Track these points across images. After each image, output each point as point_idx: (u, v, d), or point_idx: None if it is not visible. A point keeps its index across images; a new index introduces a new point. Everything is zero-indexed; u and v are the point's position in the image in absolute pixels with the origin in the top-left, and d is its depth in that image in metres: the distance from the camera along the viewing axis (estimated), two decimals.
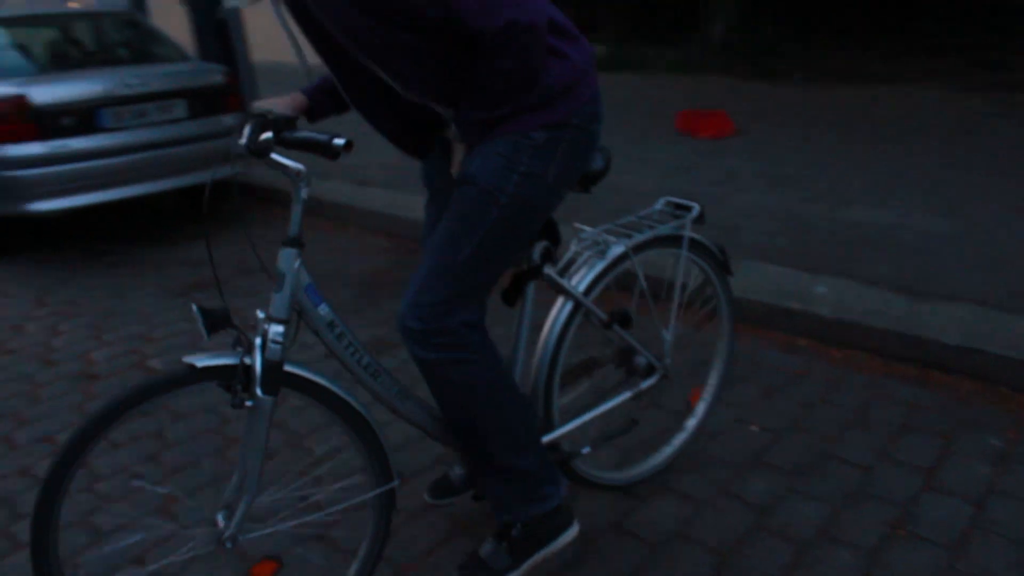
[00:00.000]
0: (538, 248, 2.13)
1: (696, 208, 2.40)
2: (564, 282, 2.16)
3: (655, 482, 2.59)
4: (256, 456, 1.83)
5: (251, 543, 2.39)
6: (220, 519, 1.88)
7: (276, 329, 1.78)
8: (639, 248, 2.26)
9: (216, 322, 1.77)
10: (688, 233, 2.36)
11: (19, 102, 4.82)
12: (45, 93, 4.95)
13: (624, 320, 2.34)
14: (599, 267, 2.20)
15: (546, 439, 2.25)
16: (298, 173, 1.77)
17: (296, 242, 1.81)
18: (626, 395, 2.43)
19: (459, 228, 1.90)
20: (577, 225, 2.50)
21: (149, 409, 1.79)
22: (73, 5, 14.11)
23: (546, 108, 1.89)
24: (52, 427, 3.14)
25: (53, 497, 1.72)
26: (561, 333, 2.19)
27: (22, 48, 5.81)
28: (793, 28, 9.39)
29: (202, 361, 1.76)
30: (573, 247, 2.28)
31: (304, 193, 1.80)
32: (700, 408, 2.70)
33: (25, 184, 4.93)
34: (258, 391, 1.78)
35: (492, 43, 1.74)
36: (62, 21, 6.43)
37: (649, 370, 2.45)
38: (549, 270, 2.14)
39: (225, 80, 5.63)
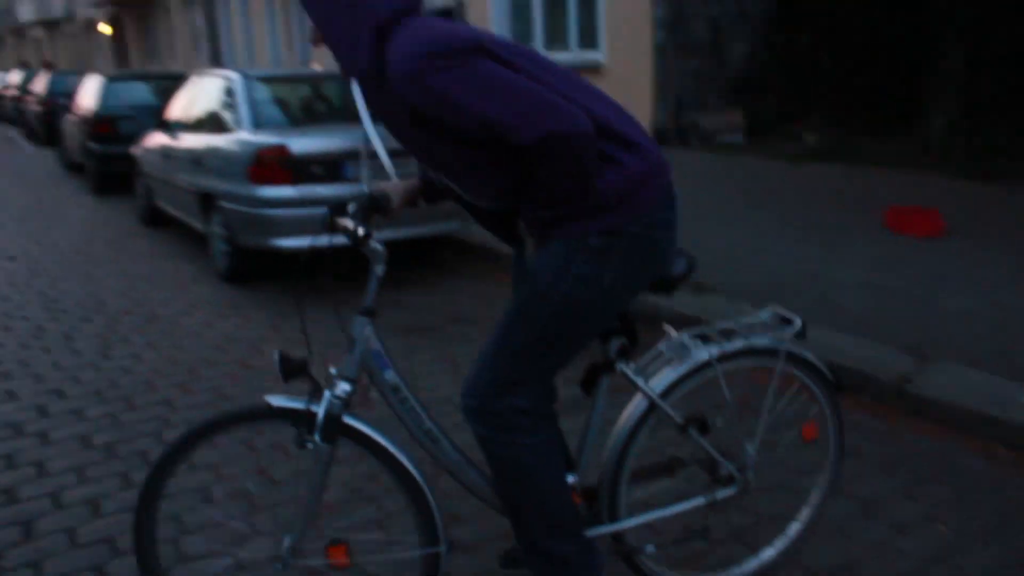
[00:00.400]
0: (614, 344, 2.21)
1: (798, 322, 2.35)
2: (639, 380, 2.23)
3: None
4: (313, 493, 2.10)
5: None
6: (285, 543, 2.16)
7: (343, 386, 2.06)
8: (727, 357, 2.28)
9: (293, 370, 2.05)
10: (786, 346, 2.33)
11: (281, 151, 5.49)
12: (301, 144, 5.60)
13: (702, 425, 2.33)
14: (680, 371, 2.23)
15: (609, 530, 2.31)
16: (375, 252, 2.05)
17: (369, 312, 2.09)
18: (699, 501, 2.40)
19: (515, 319, 2.06)
20: (665, 326, 2.47)
21: (234, 434, 2.18)
22: (315, 67, 15.52)
23: (602, 214, 1.97)
24: None
25: (143, 519, 2.13)
26: (632, 430, 2.24)
27: (282, 104, 6.55)
28: (1018, 127, 9.11)
29: (277, 401, 2.07)
30: (660, 347, 2.30)
31: (380, 271, 2.07)
32: (794, 528, 2.62)
33: (276, 222, 5.58)
34: (316, 437, 2.04)
35: (534, 154, 1.85)
36: (314, 81, 7.17)
37: (728, 480, 2.41)
38: (623, 366, 2.21)
39: None
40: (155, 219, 8.62)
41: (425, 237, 6.33)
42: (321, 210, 5.47)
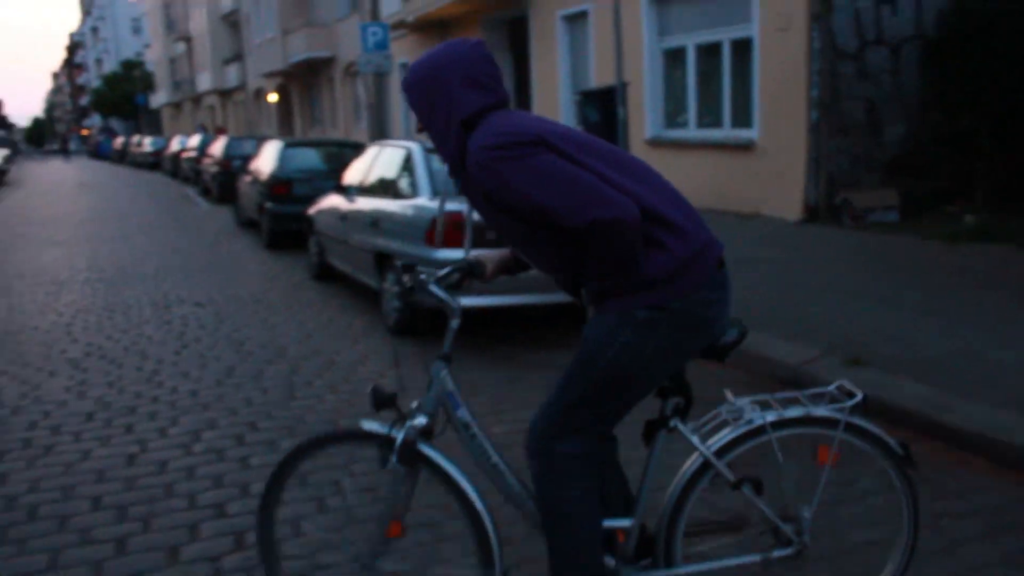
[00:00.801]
0: (670, 403, 2.44)
1: (859, 395, 2.49)
2: (693, 438, 2.45)
3: None
4: (388, 509, 2.50)
5: None
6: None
7: (420, 418, 2.47)
8: (783, 424, 2.44)
9: (382, 402, 2.45)
10: (846, 416, 2.46)
11: (458, 217, 5.92)
12: None
13: (757, 486, 2.49)
14: (735, 433, 2.44)
15: (664, 575, 2.52)
16: (453, 310, 2.46)
17: (446, 357, 2.49)
18: (755, 557, 2.56)
19: (571, 376, 2.36)
20: (726, 391, 2.62)
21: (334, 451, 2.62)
22: None
23: (649, 291, 2.24)
24: None
25: (264, 531, 2.68)
26: (687, 485, 2.46)
27: None
28: None
29: (368, 426, 2.51)
30: (719, 409, 2.52)
31: (455, 324, 2.47)
32: None
33: None
34: (394, 459, 2.43)
35: (584, 237, 2.18)
36: None
37: (787, 542, 2.55)
38: (678, 423, 2.43)
39: None
40: (325, 274, 9.26)
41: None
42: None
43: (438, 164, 6.89)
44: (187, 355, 6.41)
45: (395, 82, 24.09)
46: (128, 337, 7.01)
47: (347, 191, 8.02)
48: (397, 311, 6.64)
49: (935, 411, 4.48)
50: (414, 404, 2.50)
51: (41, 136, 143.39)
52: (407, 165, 6.95)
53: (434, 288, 2.48)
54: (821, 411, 2.48)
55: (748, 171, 11.70)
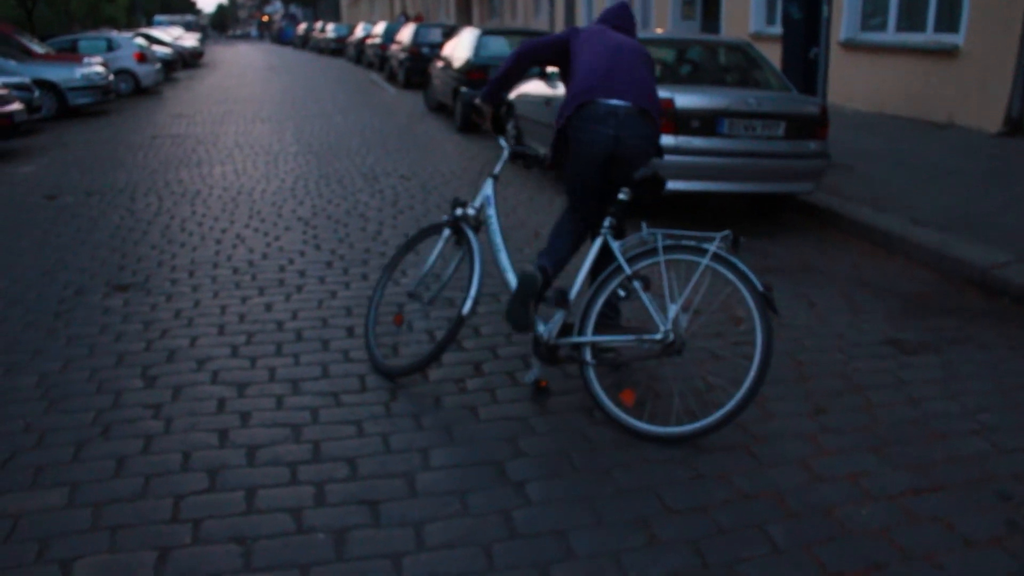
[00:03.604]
0: (606, 223, 3.64)
1: (729, 234, 3.38)
2: (613, 244, 3.56)
3: None
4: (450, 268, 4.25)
5: None
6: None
7: (468, 210, 4.08)
8: (669, 249, 3.44)
9: (454, 205, 4.11)
10: (714, 248, 3.33)
11: (668, 104, 6.22)
12: (685, 100, 6.30)
13: (645, 283, 3.51)
14: (637, 249, 3.52)
15: (576, 340, 3.56)
16: (503, 147, 4.31)
17: (494, 176, 4.17)
18: (631, 338, 3.52)
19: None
20: (643, 223, 3.61)
21: (433, 238, 4.31)
22: (658, 31, 16.18)
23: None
24: None
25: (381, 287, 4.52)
26: (604, 280, 3.60)
27: (663, 63, 7.29)
28: None
29: (443, 219, 4.18)
30: (638, 235, 3.55)
31: (505, 154, 4.27)
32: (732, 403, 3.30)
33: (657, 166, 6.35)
34: (446, 230, 4.16)
35: None
36: (689, 45, 7.84)
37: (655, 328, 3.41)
38: (608, 236, 3.63)
39: (819, 112, 6.59)
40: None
41: (777, 194, 6.88)
42: (696, 159, 6.15)
43: None
44: (404, 220, 7.06)
45: None
46: (347, 202, 7.74)
47: (550, 77, 8.39)
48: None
49: None
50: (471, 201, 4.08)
51: (224, 22, 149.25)
52: None
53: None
54: (701, 244, 3.39)
55: (947, 78, 11.33)
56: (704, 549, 2.72)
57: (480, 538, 2.78)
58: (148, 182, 8.79)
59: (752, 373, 3.22)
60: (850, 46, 13.24)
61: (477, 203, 4.05)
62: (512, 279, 3.89)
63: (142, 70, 19.73)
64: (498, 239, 4.02)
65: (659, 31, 17.36)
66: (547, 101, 8.29)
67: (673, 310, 3.41)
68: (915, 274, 5.76)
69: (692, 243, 3.42)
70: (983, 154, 9.33)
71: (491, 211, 4.05)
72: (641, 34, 7.92)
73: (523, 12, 30.00)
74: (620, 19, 4.25)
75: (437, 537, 2.79)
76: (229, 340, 4.49)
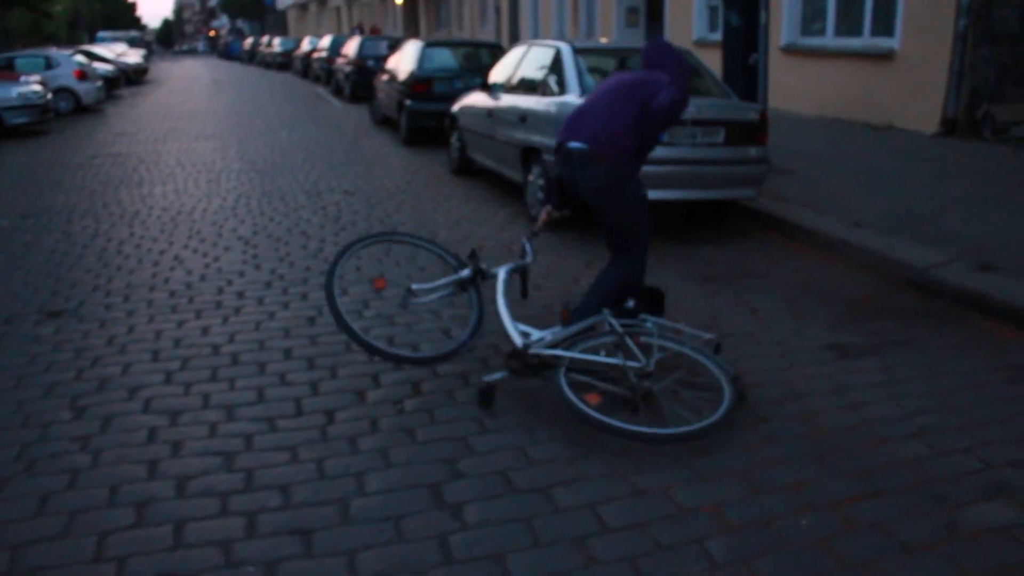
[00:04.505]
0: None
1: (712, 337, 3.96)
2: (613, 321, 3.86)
3: None
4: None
5: None
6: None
7: (500, 270, 4.34)
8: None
9: (471, 255, 4.45)
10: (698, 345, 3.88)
11: None
12: None
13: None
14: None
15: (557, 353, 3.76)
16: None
17: (533, 234, 4.61)
18: (615, 360, 3.74)
19: None
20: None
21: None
22: (603, 40, 16.22)
23: None
24: None
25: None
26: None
27: (600, 72, 7.29)
28: None
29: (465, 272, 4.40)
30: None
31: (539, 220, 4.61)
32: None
33: None
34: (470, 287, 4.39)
35: None
36: (628, 53, 7.85)
37: (636, 357, 3.70)
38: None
39: (758, 117, 6.63)
40: (464, 169, 9.70)
41: (720, 200, 6.90)
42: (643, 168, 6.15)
43: (585, 63, 7.16)
44: (346, 236, 6.97)
45: None
46: (289, 220, 7.62)
47: (493, 88, 8.36)
48: (541, 203, 7.03)
49: None
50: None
51: (170, 37, 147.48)
52: (556, 64, 7.23)
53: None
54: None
55: (885, 82, 11.50)
56: (642, 567, 2.68)
57: (415, 565, 2.72)
58: (86, 204, 8.59)
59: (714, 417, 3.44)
60: (791, 51, 13.40)
61: (502, 271, 4.31)
62: (516, 335, 3.91)
63: (82, 88, 19.37)
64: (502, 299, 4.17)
65: (604, 40, 17.44)
66: (489, 113, 8.26)
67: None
68: (857, 277, 5.80)
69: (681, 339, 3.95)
70: (921, 155, 9.47)
71: (504, 270, 4.32)
72: (584, 42, 7.92)
73: (470, 23, 30.01)
74: (647, 55, 4.38)
75: (370, 566, 2.72)
76: (163, 366, 4.37)
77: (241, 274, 5.97)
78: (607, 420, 3.37)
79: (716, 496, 3.06)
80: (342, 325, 4.08)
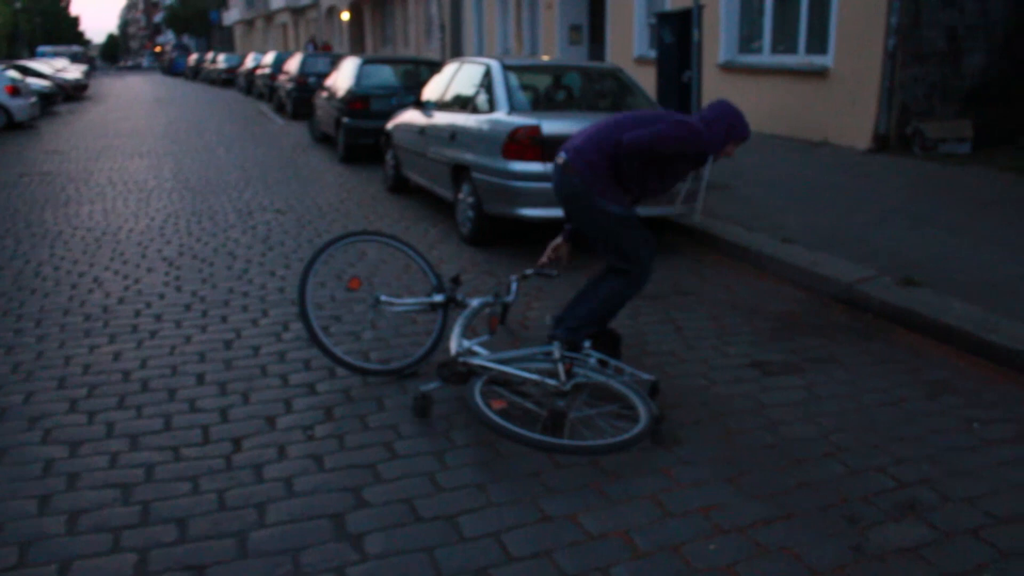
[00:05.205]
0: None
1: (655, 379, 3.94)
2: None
3: None
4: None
5: None
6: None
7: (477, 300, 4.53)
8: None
9: (453, 281, 4.59)
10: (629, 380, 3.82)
11: (534, 131, 6.17)
12: (552, 126, 6.27)
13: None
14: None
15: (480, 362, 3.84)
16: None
17: (523, 277, 4.61)
18: (535, 377, 3.75)
19: None
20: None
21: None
22: (545, 57, 16.26)
23: None
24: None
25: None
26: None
27: (532, 89, 7.26)
28: None
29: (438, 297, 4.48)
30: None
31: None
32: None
33: (524, 193, 6.28)
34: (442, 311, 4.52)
35: None
36: (560, 71, 7.84)
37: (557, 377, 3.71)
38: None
39: None
40: (400, 187, 9.61)
41: (652, 217, 6.88)
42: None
43: (516, 80, 7.12)
44: (273, 256, 6.84)
45: (469, 1, 24.07)
46: (217, 240, 7.46)
47: (425, 106, 8.29)
48: (471, 221, 6.97)
49: (981, 330, 4.67)
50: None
51: (115, 53, 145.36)
52: (486, 81, 7.18)
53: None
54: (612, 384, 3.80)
55: (819, 98, 11.65)
56: None
57: None
58: (8, 224, 8.33)
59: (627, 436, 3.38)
60: (729, 68, 13.53)
61: (475, 302, 4.49)
62: (455, 345, 4.07)
63: (15, 104, 18.89)
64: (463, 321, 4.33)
65: (546, 57, 17.49)
66: (421, 130, 8.19)
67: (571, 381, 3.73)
68: (784, 293, 5.81)
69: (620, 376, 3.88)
70: (853, 171, 9.59)
71: (479, 300, 4.52)
72: (515, 59, 7.89)
73: (415, 40, 29.96)
74: (707, 107, 4.31)
75: None
76: (68, 394, 4.21)
77: (161, 296, 5.81)
78: (507, 425, 3.33)
79: (625, 521, 2.99)
80: (303, 314, 4.25)
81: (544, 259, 4.55)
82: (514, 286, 4.54)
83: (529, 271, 4.62)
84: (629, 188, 4.22)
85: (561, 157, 4.28)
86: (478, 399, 3.51)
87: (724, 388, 4.20)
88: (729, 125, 4.13)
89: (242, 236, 7.60)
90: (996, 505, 3.13)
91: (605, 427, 3.56)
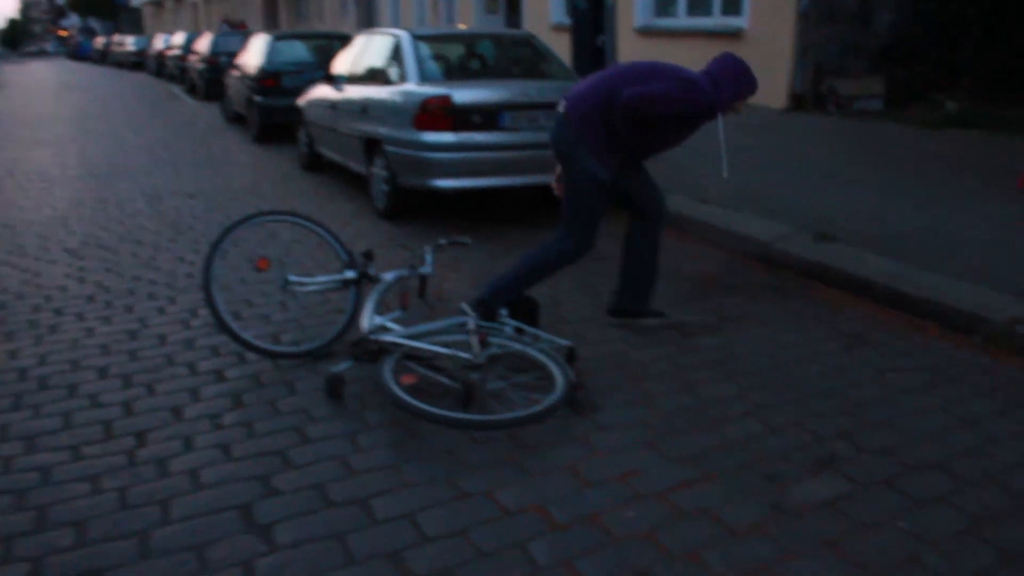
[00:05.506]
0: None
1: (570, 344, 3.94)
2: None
3: None
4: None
5: None
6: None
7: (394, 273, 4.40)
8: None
9: (366, 255, 4.39)
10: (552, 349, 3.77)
11: (445, 100, 6.03)
12: (464, 95, 6.13)
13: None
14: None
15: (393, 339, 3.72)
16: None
17: (436, 247, 4.51)
18: (446, 350, 3.65)
19: None
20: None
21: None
22: (461, 26, 16.08)
23: None
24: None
25: None
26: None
27: (444, 59, 7.11)
28: None
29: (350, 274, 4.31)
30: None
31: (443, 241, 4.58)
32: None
33: (436, 164, 6.15)
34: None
35: None
36: (472, 39, 7.69)
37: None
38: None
39: None
40: (314, 165, 9.38)
41: None
42: (478, 155, 6.01)
43: (426, 50, 6.96)
44: (182, 241, 6.60)
45: None
46: (123, 227, 7.17)
47: (336, 80, 8.07)
48: (385, 195, 6.82)
49: (895, 281, 4.72)
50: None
51: (16, 38, 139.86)
52: (396, 52, 7.00)
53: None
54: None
55: None
56: None
57: None
58: None
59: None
60: (645, 32, 13.52)
61: (389, 276, 4.32)
62: (366, 323, 3.91)
63: None
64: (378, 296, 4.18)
65: (462, 26, 17.27)
66: (333, 105, 7.98)
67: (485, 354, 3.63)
68: (704, 254, 5.81)
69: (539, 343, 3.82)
70: (770, 130, 9.66)
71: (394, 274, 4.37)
72: (424, 29, 7.72)
73: (330, 15, 29.37)
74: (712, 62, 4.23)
75: None
76: None
77: (63, 289, 5.54)
78: (418, 404, 3.26)
79: (542, 494, 2.93)
80: (208, 299, 4.14)
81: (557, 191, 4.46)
82: (429, 257, 4.43)
83: (443, 241, 4.54)
84: (619, 146, 4.12)
85: (562, 104, 4.19)
86: (388, 378, 3.42)
87: (643, 352, 4.16)
88: (736, 81, 4.06)
89: (150, 222, 7.33)
90: (909, 454, 3.14)
91: (520, 398, 3.49)
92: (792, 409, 3.52)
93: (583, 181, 4.12)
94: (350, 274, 4.31)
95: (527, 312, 4.25)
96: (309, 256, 6.05)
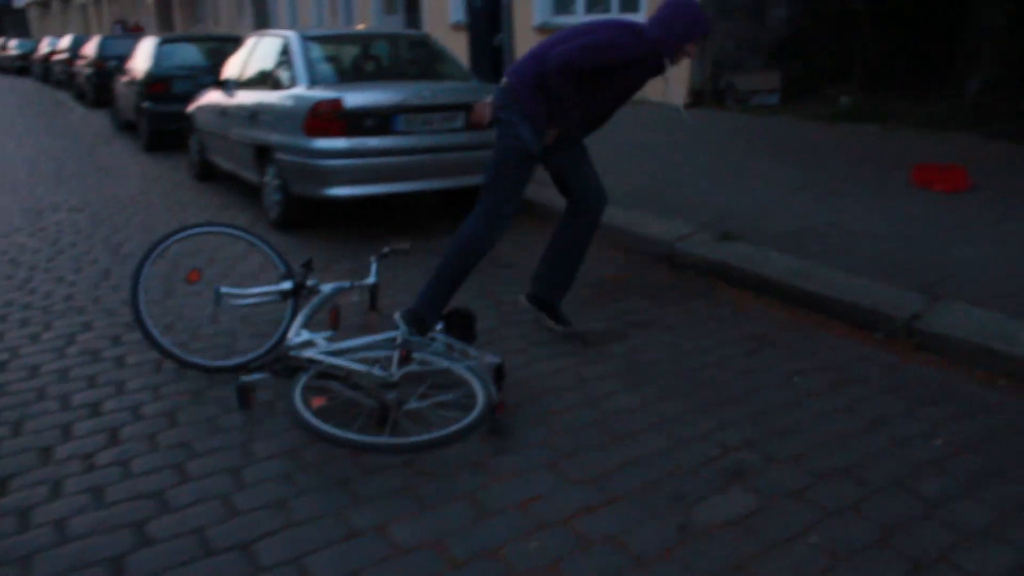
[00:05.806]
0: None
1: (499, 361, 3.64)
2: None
3: None
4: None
5: None
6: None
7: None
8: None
9: (306, 265, 4.24)
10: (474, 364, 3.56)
11: (335, 105, 5.80)
12: (355, 99, 5.91)
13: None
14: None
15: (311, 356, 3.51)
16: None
17: (383, 255, 4.47)
18: (363, 368, 3.38)
19: None
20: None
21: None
22: (360, 27, 15.76)
23: None
24: None
25: None
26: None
27: (336, 61, 6.86)
28: None
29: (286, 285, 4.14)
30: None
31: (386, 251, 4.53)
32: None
33: (329, 172, 5.91)
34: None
35: None
36: (366, 40, 7.47)
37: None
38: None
39: None
40: (207, 174, 9.01)
41: (466, 188, 6.66)
42: (372, 160, 5.81)
43: (316, 52, 6.70)
44: (62, 260, 6.21)
45: None
46: None
47: (226, 85, 7.75)
48: (278, 204, 6.55)
49: (798, 279, 4.69)
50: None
51: None
52: (285, 54, 6.73)
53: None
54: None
55: None
56: None
57: None
58: None
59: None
60: (544, 30, 13.43)
61: (327, 288, 4.20)
62: (292, 335, 3.74)
63: None
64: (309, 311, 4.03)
65: (361, 26, 16.95)
66: (223, 111, 7.65)
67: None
68: (606, 257, 5.71)
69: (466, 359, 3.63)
70: (671, 127, 9.66)
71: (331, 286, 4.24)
72: (315, 30, 7.45)
73: (226, 17, 28.59)
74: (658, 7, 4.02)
75: None
76: None
77: None
78: (322, 427, 3.11)
79: (440, 528, 2.75)
80: (138, 319, 4.01)
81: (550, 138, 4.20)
82: (374, 267, 4.34)
83: (386, 249, 4.42)
84: (562, 115, 3.99)
85: (504, 80, 4.11)
86: (296, 398, 3.24)
87: (545, 364, 4.02)
88: (686, 22, 3.88)
89: (28, 240, 6.90)
90: (818, 461, 3.07)
91: (439, 418, 3.32)
92: (698, 419, 3.43)
93: (511, 149, 4.02)
94: (287, 285, 4.09)
95: (462, 325, 4.04)
96: (247, 268, 5.77)
